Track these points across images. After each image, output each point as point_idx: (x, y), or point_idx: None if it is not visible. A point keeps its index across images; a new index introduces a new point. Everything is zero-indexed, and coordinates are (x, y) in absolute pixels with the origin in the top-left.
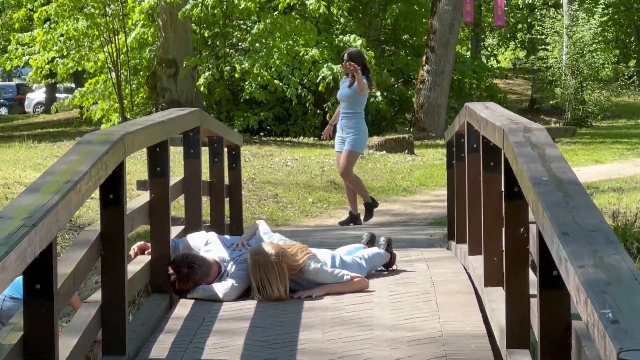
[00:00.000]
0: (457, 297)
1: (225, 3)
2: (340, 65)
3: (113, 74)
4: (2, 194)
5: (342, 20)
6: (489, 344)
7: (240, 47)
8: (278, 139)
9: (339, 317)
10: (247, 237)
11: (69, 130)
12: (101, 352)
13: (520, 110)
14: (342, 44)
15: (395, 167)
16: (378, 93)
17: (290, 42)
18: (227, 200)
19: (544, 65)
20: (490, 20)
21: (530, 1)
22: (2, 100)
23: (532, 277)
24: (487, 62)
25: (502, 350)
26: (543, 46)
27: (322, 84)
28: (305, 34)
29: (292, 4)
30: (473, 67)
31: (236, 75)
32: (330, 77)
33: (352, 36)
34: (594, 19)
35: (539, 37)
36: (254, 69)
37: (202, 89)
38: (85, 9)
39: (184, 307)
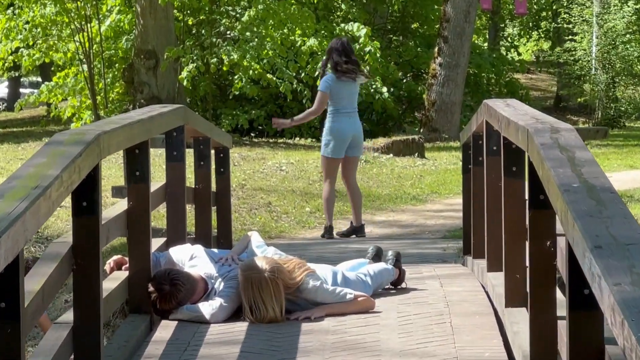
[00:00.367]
0: (475, 319)
1: None
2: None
3: (85, 67)
4: None
5: (343, 6)
6: None
7: (228, 36)
8: (271, 140)
9: (341, 341)
10: (238, 250)
11: (35, 130)
12: None
13: (545, 109)
14: (343, 33)
15: (404, 172)
16: (384, 89)
17: (286, 31)
18: (214, 209)
19: (571, 58)
20: (510, 7)
21: None
22: None
23: (560, 297)
24: (507, 54)
25: None
26: (570, 36)
27: None
28: (302, 22)
29: None
30: (491, 60)
31: (224, 68)
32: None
33: (355, 25)
34: (628, 6)
35: (565, 26)
36: (244, 61)
37: (184, 83)
38: None
39: (166, 330)
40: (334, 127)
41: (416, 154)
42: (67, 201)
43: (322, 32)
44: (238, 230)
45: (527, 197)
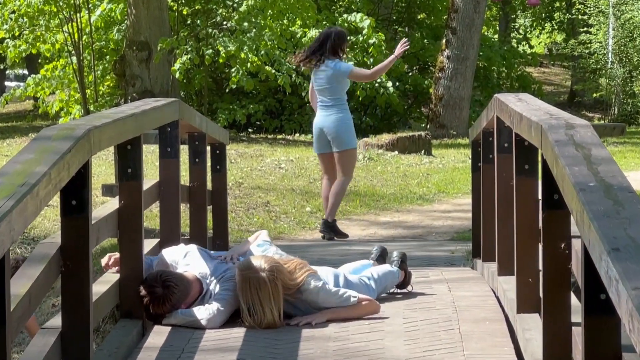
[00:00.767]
0: (485, 326)
1: None
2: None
3: (74, 59)
4: None
5: None
6: None
7: (225, 27)
8: (270, 136)
9: (343, 348)
10: (240, 251)
11: (21, 125)
12: None
13: (558, 104)
14: (346, 24)
15: (410, 170)
16: (389, 83)
17: (285, 21)
18: (209, 208)
19: (586, 51)
20: None
21: None
22: None
23: (575, 302)
24: (519, 46)
25: None
26: (585, 28)
27: None
28: (303, 12)
29: None
30: (502, 53)
31: (220, 60)
32: None
33: (359, 15)
34: None
35: (580, 17)
36: (242, 52)
37: (177, 75)
38: None
39: (158, 336)
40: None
41: (423, 151)
42: (55, 200)
43: (324, 22)
44: (235, 230)
45: (540, 196)
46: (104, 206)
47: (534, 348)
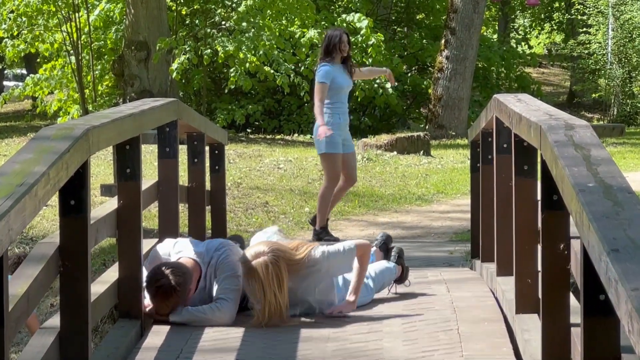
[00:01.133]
0: (484, 326)
1: None
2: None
3: (72, 58)
4: None
5: None
6: None
7: (223, 26)
8: (268, 136)
9: (342, 349)
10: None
11: (20, 125)
12: None
13: (557, 105)
14: (344, 25)
15: (408, 171)
16: (388, 84)
17: (284, 21)
18: (208, 208)
19: (586, 52)
20: None
21: None
22: None
23: (574, 303)
24: (518, 47)
25: None
26: (584, 29)
27: None
28: (302, 12)
29: None
30: (501, 53)
31: (219, 60)
32: None
33: (357, 15)
34: None
35: (579, 17)
36: (240, 52)
37: (174, 75)
38: None
39: (157, 336)
40: None
41: (421, 152)
42: (54, 200)
43: (322, 22)
44: (233, 231)
45: (539, 197)
46: (102, 206)
47: (532, 349)
